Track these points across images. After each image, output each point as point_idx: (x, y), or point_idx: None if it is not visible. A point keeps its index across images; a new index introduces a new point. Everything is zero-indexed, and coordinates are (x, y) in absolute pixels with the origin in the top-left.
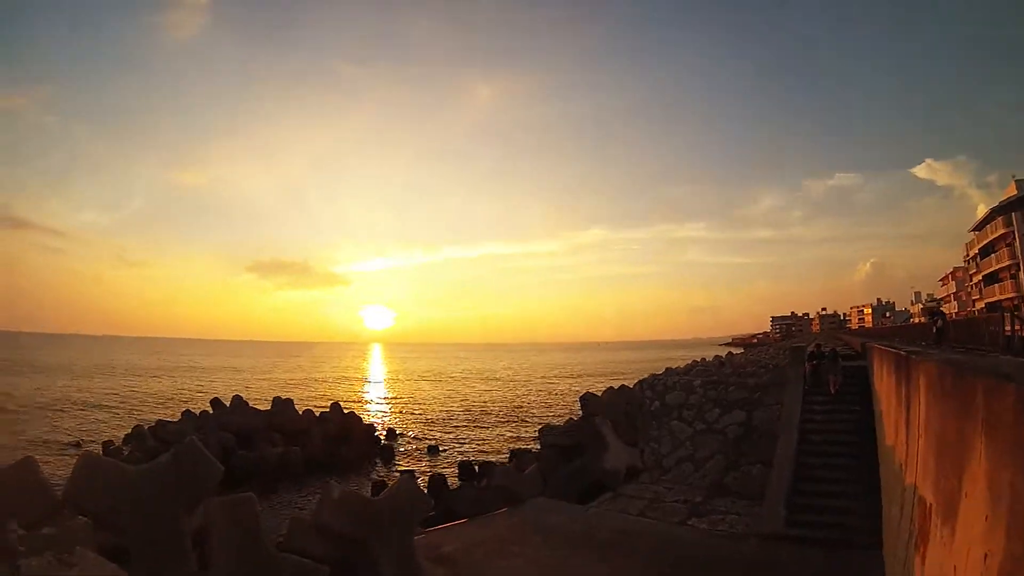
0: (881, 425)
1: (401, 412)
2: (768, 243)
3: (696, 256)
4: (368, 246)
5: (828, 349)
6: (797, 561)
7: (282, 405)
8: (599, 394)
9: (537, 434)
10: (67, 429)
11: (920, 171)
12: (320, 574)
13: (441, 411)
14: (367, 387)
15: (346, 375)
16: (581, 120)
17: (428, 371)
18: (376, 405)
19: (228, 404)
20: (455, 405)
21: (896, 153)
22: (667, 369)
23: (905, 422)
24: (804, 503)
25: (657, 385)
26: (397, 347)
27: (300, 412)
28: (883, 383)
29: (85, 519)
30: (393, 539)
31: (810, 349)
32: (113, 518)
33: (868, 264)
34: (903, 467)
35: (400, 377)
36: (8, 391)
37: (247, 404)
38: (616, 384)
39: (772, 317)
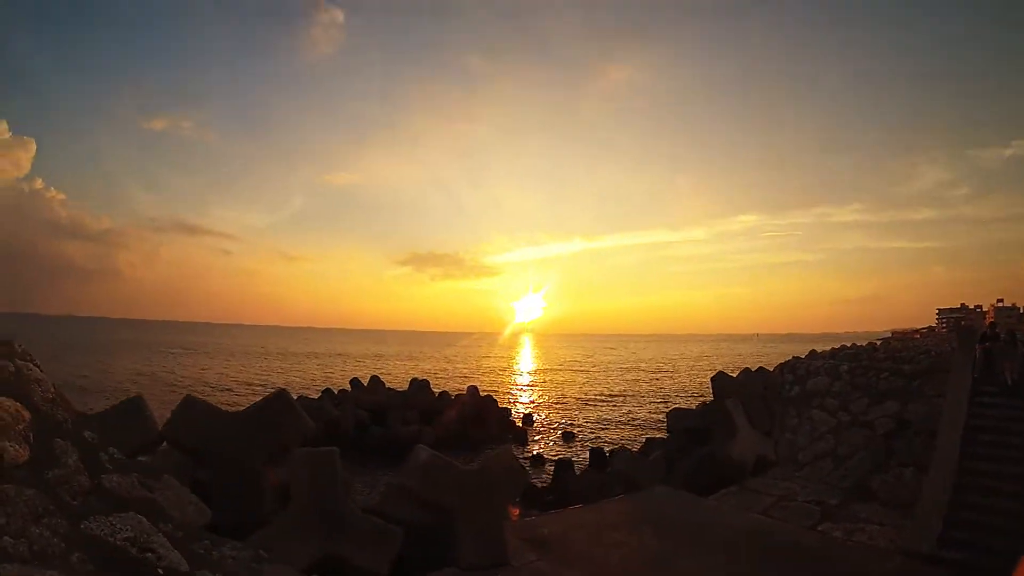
0: None
1: (541, 399)
2: (931, 224)
3: (854, 241)
4: (518, 236)
5: (1004, 331)
6: None
7: (418, 386)
8: (734, 375)
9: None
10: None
11: None
12: (391, 535)
13: (581, 399)
14: (510, 374)
15: (491, 362)
16: (722, 95)
17: (573, 360)
18: (516, 391)
19: (366, 384)
20: (596, 393)
21: None
22: (811, 351)
23: None
24: (966, 519)
25: (799, 368)
26: (546, 337)
27: (436, 394)
28: None
29: (180, 453)
30: (479, 512)
31: (982, 331)
32: (204, 455)
33: None
34: None
35: (544, 365)
36: (175, 370)
37: (383, 384)
38: None
39: (938, 309)
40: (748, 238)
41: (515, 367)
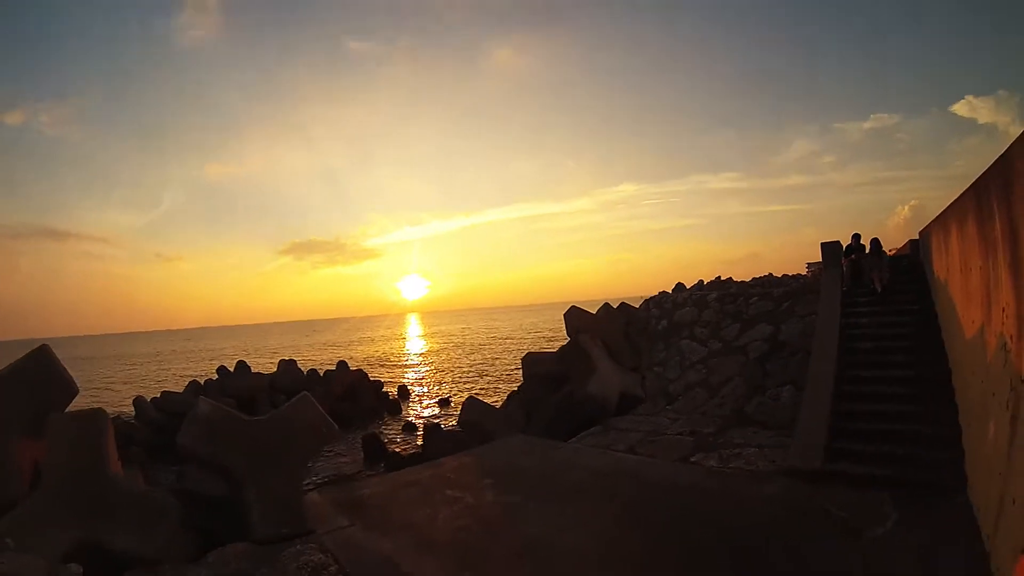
0: (954, 316)
1: (418, 372)
2: (802, 190)
3: (731, 207)
4: (400, 216)
5: (869, 241)
6: (847, 507)
7: (285, 366)
8: (593, 312)
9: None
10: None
11: (960, 108)
12: (164, 513)
13: (459, 368)
14: (388, 351)
15: (370, 343)
16: (606, 75)
17: (454, 333)
18: (393, 366)
19: (233, 371)
20: (474, 362)
21: (934, 91)
22: (678, 284)
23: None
24: (853, 428)
25: (665, 303)
26: (432, 315)
27: (304, 372)
28: (952, 256)
29: None
30: (271, 473)
31: (848, 244)
32: None
33: (907, 207)
34: (1000, 349)
35: (425, 341)
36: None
37: (250, 369)
38: None
39: (807, 263)
40: (629, 206)
41: (394, 345)
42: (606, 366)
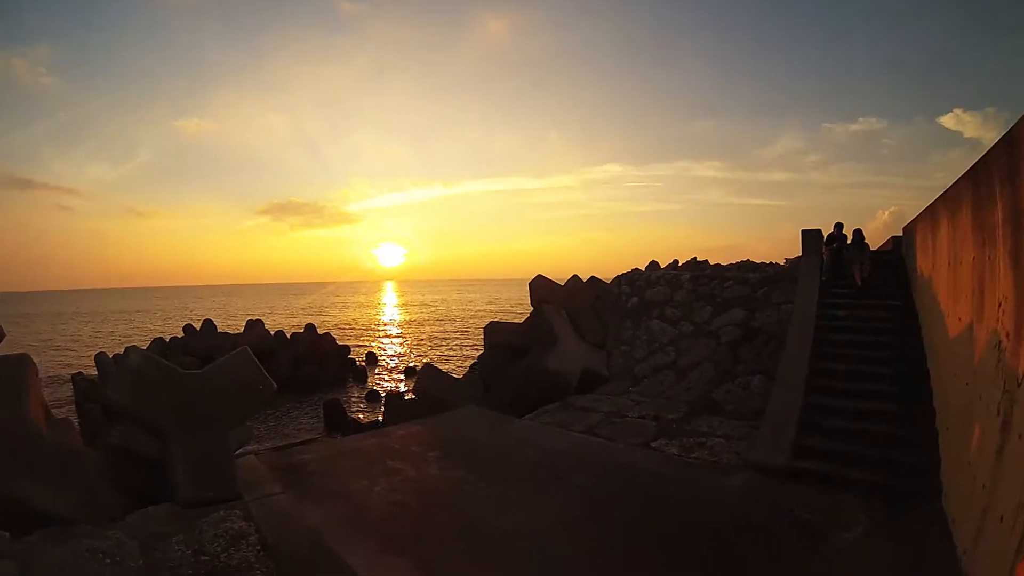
0: (938, 313)
1: (389, 338)
2: (784, 185)
3: (712, 196)
4: (380, 183)
5: (852, 231)
6: (812, 509)
7: (252, 326)
8: (561, 283)
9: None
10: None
11: (947, 120)
12: (90, 465)
13: (429, 337)
14: (360, 318)
15: (344, 309)
16: (597, 54)
17: (428, 303)
18: (364, 333)
19: (199, 329)
20: (446, 332)
21: (924, 100)
22: (652, 262)
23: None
24: (823, 424)
25: (637, 280)
26: (410, 284)
27: (272, 333)
28: (941, 249)
29: None
30: (199, 433)
31: (829, 233)
32: None
33: (887, 213)
34: (991, 347)
35: (399, 310)
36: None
37: (216, 328)
38: None
39: (786, 258)
40: (612, 187)
41: (368, 312)
42: (569, 340)
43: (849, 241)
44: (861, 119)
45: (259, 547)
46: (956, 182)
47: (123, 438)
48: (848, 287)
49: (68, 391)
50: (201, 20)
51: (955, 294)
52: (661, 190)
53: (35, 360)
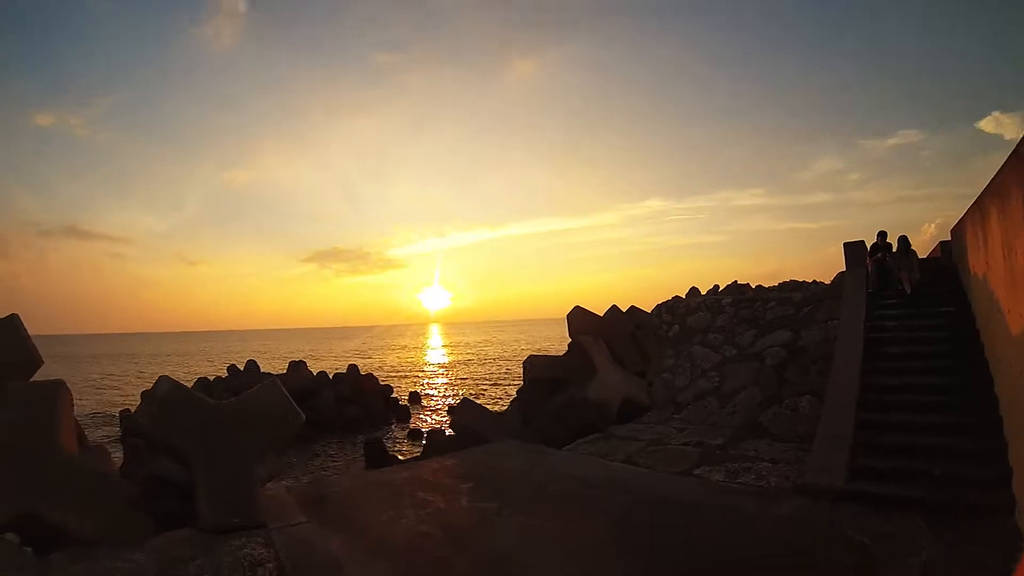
0: (997, 313)
1: (432, 378)
2: (827, 207)
3: (755, 223)
4: (423, 228)
5: (897, 239)
6: (871, 534)
7: (294, 367)
8: (599, 314)
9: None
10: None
11: (986, 124)
12: (116, 489)
13: (474, 377)
14: (406, 359)
15: (390, 351)
16: (633, 87)
17: (473, 344)
18: (409, 373)
19: (243, 369)
20: (491, 372)
21: (960, 107)
22: (692, 289)
23: None
24: (879, 442)
25: (678, 308)
26: (455, 326)
27: (314, 374)
28: (993, 242)
29: None
30: (221, 459)
31: (873, 243)
32: None
33: (932, 226)
34: None
35: (444, 351)
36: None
37: (259, 368)
38: None
39: (834, 278)
40: (655, 222)
41: (415, 354)
42: (608, 370)
43: (895, 249)
44: (899, 132)
45: (276, 574)
46: (1000, 170)
47: (154, 465)
48: (897, 296)
49: (116, 427)
50: (242, 74)
51: (1013, 287)
52: (704, 221)
53: (84, 398)
